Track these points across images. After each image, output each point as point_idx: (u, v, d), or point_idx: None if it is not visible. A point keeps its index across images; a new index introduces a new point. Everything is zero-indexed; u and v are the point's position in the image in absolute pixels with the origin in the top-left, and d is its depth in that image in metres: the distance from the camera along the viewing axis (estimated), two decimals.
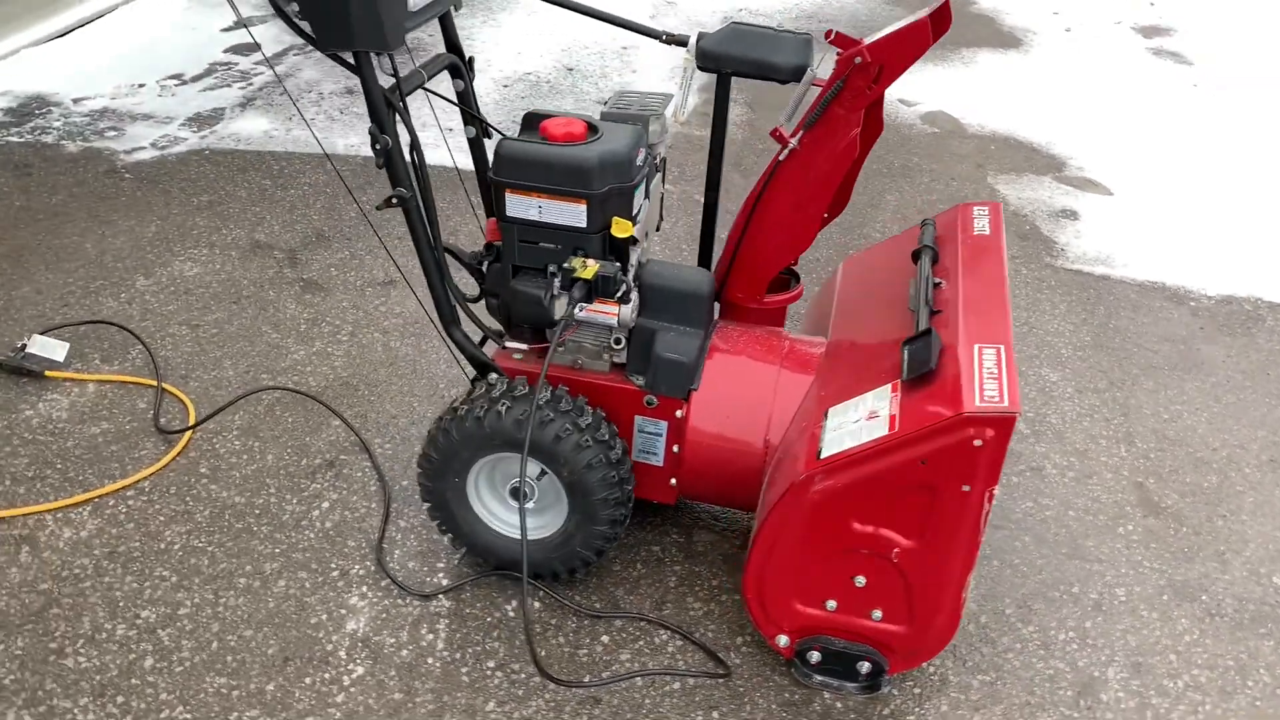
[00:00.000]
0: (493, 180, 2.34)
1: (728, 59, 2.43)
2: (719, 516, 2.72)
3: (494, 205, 2.40)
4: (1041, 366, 3.42)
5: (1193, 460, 3.04)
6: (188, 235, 3.85)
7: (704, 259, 2.75)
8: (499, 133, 2.63)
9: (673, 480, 2.54)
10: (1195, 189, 4.76)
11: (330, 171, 4.37)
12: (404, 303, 3.52)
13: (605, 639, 2.36)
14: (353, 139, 4.69)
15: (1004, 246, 2.54)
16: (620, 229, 2.35)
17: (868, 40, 2.24)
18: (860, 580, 2.22)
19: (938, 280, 2.43)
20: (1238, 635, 2.47)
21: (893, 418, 2.09)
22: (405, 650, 2.29)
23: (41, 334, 3.12)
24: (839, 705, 2.25)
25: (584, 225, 2.32)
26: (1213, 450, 3.08)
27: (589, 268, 2.29)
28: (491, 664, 2.28)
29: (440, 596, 2.43)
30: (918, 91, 5.61)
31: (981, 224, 2.65)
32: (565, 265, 2.32)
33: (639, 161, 2.36)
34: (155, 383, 3.03)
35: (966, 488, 2.03)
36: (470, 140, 2.63)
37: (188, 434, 2.84)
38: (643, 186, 2.40)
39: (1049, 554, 2.66)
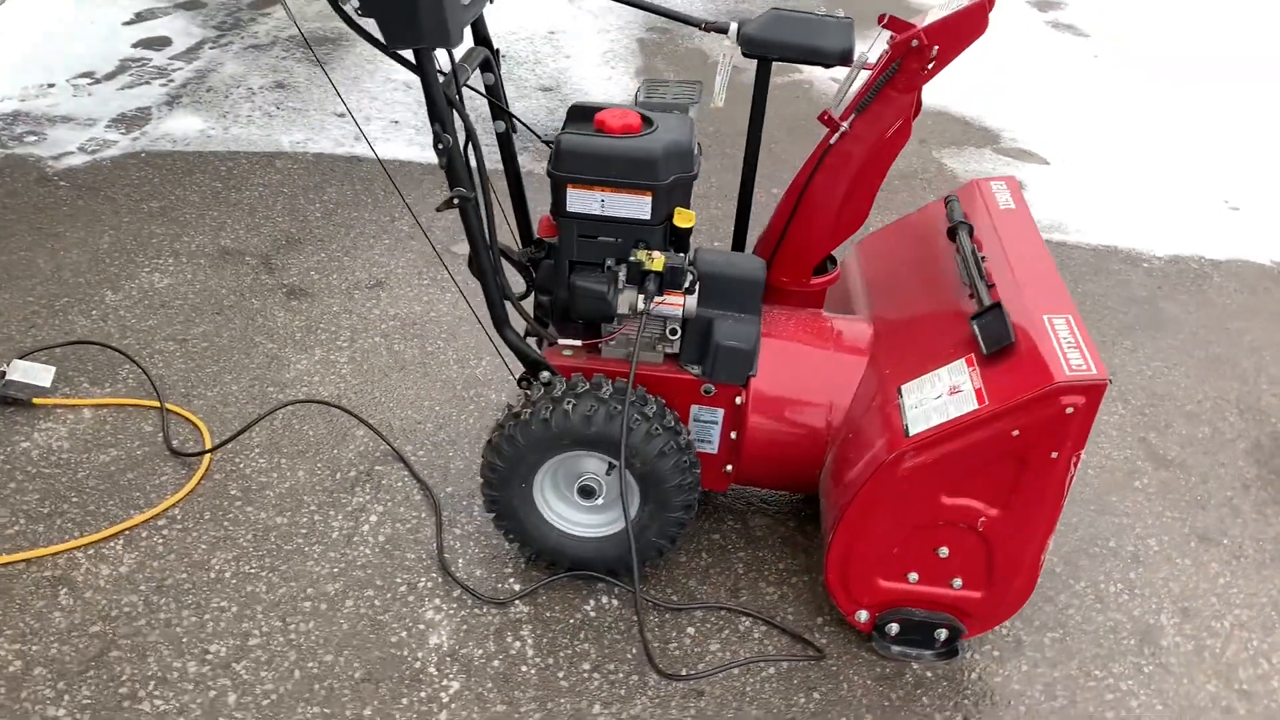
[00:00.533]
0: (553, 175, 2.29)
1: (774, 45, 2.43)
2: (768, 500, 2.75)
3: (551, 201, 2.34)
4: None
5: (1183, 414, 3.22)
6: (147, 245, 3.63)
7: (738, 243, 2.75)
8: (528, 128, 2.58)
9: (728, 467, 2.55)
10: (1120, 155, 5.02)
11: (283, 170, 4.18)
12: (396, 304, 3.41)
13: (691, 630, 2.36)
14: (297, 135, 4.50)
15: (1033, 219, 2.63)
16: (684, 219, 2.34)
17: (923, 23, 2.28)
18: (943, 551, 2.27)
19: (982, 255, 2.50)
20: (1264, 574, 2.65)
21: (978, 391, 2.14)
22: (496, 660, 2.24)
23: (21, 359, 2.90)
24: (929, 675, 2.31)
25: (648, 217, 2.30)
26: (1198, 403, 3.27)
27: (656, 260, 2.28)
28: (586, 666, 2.25)
29: (517, 602, 2.38)
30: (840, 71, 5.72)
31: (1004, 198, 2.74)
32: (631, 259, 2.29)
33: (697, 151, 2.35)
34: (158, 403, 2.86)
35: (1055, 454, 2.10)
36: (499, 136, 2.56)
37: (208, 456, 2.69)
38: None
39: (1080, 512, 2.79)
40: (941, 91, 5.73)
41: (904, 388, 2.30)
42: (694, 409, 2.49)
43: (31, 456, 2.67)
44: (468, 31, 2.34)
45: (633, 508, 2.41)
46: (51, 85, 4.81)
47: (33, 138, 4.33)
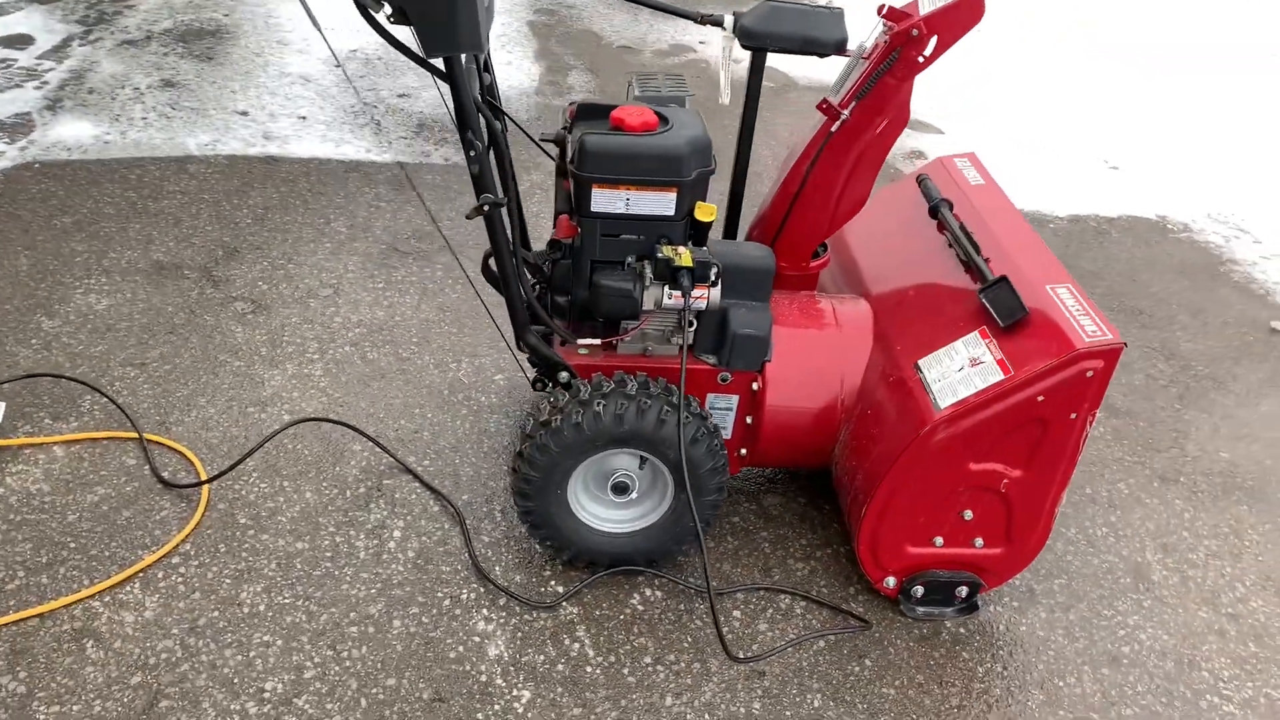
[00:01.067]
0: (577, 176, 2.28)
1: (772, 36, 2.48)
2: (775, 479, 2.83)
3: (573, 202, 2.33)
4: None
5: (1120, 364, 3.47)
6: (71, 264, 3.39)
7: (730, 231, 2.80)
8: (522, 130, 2.55)
9: (742, 451, 2.62)
10: (1005, 123, 5.32)
11: (198, 176, 3.97)
12: (358, 310, 3.31)
13: (737, 614, 2.42)
14: (202, 136, 4.26)
15: (1005, 194, 2.79)
16: (705, 213, 2.37)
17: (922, 11, 2.38)
18: (968, 514, 2.41)
19: (969, 231, 2.64)
20: (1220, 505, 2.92)
21: (1001, 362, 2.27)
22: (560, 664, 2.25)
23: None
24: (962, 630, 2.45)
25: (672, 213, 2.33)
26: (1128, 353, 3.53)
27: (684, 255, 2.31)
28: (648, 660, 2.28)
29: (564, 604, 2.38)
30: (738, 49, 5.82)
31: (972, 175, 2.89)
32: (659, 255, 2.32)
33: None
34: (136, 434, 2.70)
35: (1074, 415, 2.26)
36: (492, 136, 2.51)
37: (206, 486, 2.57)
38: None
39: None
40: (822, 65, 5.94)
41: (921, 363, 2.41)
42: (710, 397, 2.54)
43: (10, 503, 2.48)
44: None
45: (666, 498, 2.45)
46: None
47: None
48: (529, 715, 2.13)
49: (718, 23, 2.54)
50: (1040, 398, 2.23)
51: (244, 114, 4.49)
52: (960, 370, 2.33)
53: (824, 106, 2.52)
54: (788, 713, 2.20)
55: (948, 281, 2.57)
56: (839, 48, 2.50)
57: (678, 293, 2.34)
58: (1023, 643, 2.44)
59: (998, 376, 2.25)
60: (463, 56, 2.08)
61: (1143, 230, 4.43)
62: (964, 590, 2.51)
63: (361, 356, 3.11)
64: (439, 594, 2.38)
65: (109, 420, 2.76)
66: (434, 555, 2.48)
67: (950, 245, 2.63)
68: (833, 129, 2.51)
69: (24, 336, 3.03)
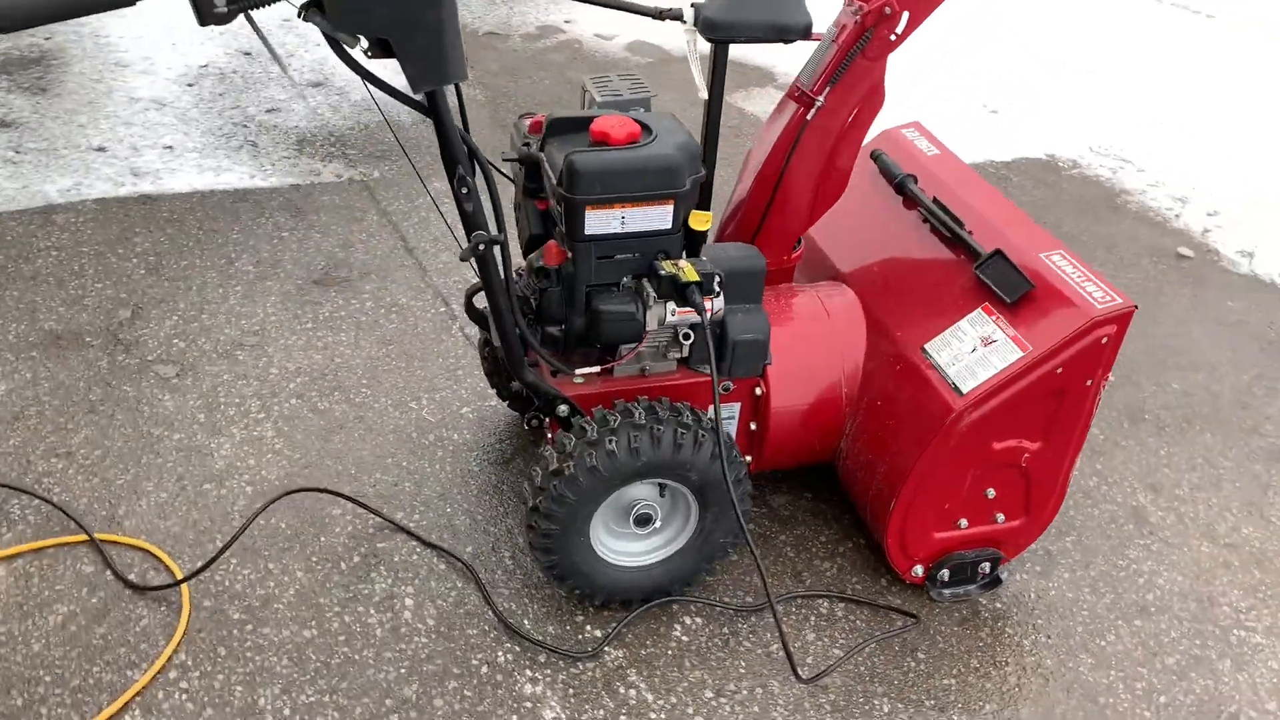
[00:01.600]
0: (567, 199, 2.12)
1: (739, 26, 2.36)
2: (775, 478, 2.77)
3: (565, 226, 2.18)
4: None
5: None
6: None
7: None
8: (482, 158, 2.36)
9: (747, 458, 2.55)
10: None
11: (68, 226, 3.57)
12: (292, 357, 3.05)
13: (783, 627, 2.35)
14: (62, 181, 3.84)
15: (963, 161, 2.78)
16: (699, 221, 2.27)
17: None
18: (991, 493, 2.41)
19: (944, 204, 2.61)
20: (1188, 437, 3.03)
21: (1016, 339, 2.26)
22: (622, 715, 2.13)
23: None
24: (999, 605, 2.46)
25: (669, 226, 2.21)
26: None
27: (688, 270, 2.20)
28: (709, 693, 2.19)
29: (606, 648, 2.26)
30: (607, 25, 5.69)
31: (924, 145, 2.87)
32: (661, 273, 2.19)
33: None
34: (85, 537, 2.40)
35: (1089, 381, 2.27)
36: None
37: (184, 586, 2.31)
38: None
39: None
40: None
41: (928, 347, 2.38)
42: (710, 409, 2.44)
43: None
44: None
45: (691, 519, 2.35)
46: None
47: None
48: None
49: (677, 17, 2.40)
50: (1059, 370, 2.23)
51: (101, 150, 4.06)
52: (974, 351, 2.31)
53: (796, 94, 2.44)
54: None
55: (930, 257, 2.54)
56: (806, 32, 2.40)
57: (683, 309, 2.23)
58: (1056, 608, 2.46)
59: (1015, 354, 2.24)
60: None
61: (1037, 171, 4.56)
62: (986, 566, 2.52)
63: (311, 408, 2.87)
64: (473, 661, 2.21)
65: (48, 525, 2.45)
66: (455, 619, 2.30)
67: (926, 221, 2.60)
68: (808, 116, 2.43)
69: None
